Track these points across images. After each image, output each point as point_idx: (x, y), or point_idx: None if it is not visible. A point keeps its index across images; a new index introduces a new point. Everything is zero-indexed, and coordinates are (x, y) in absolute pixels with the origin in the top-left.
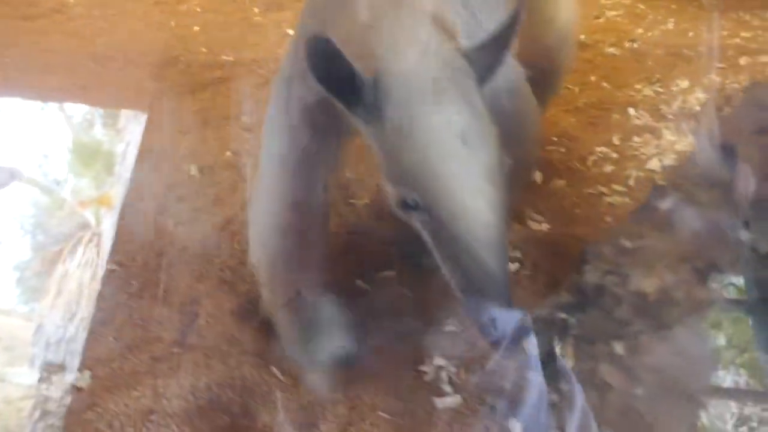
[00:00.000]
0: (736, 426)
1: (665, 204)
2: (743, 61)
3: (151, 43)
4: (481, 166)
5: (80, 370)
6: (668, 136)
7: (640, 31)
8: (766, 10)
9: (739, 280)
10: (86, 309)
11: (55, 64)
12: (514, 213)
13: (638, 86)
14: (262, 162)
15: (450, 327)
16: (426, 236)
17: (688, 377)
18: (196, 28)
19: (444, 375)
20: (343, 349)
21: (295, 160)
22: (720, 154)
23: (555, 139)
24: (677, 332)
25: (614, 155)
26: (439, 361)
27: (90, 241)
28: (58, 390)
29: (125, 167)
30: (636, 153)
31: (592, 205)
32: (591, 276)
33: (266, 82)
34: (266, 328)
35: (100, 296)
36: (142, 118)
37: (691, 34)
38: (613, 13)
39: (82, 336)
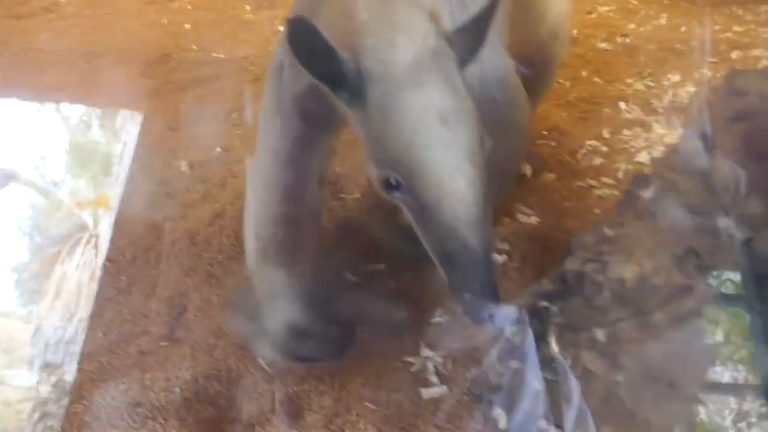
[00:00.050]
0: (735, 421)
1: (647, 193)
2: (735, 55)
3: (143, 41)
4: (462, 147)
5: (68, 364)
6: (658, 129)
7: (632, 26)
8: (759, 4)
9: (736, 276)
10: (85, 310)
11: (47, 63)
12: (503, 206)
13: (629, 81)
14: (257, 151)
15: (437, 319)
16: (409, 216)
17: (674, 368)
18: (188, 26)
19: (430, 366)
20: (330, 340)
21: (288, 150)
22: (701, 143)
23: (545, 133)
24: (658, 319)
25: (604, 148)
26: (425, 352)
27: (88, 242)
28: (57, 391)
29: (123, 168)
30: (626, 146)
31: (581, 198)
32: (572, 264)
33: (257, 79)
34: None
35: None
36: (139, 118)
37: (683, 29)
38: (605, 8)
39: (81, 337)
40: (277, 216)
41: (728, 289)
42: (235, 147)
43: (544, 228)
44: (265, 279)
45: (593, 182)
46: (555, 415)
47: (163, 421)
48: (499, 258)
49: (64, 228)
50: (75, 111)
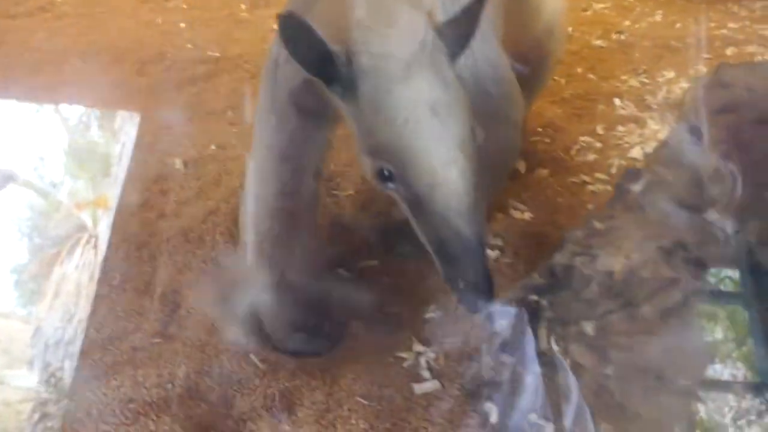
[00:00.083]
0: (735, 419)
1: (637, 187)
2: (730, 51)
3: (138, 40)
4: (453, 137)
5: (68, 365)
6: (652, 125)
7: (627, 23)
8: (754, 1)
9: (735, 273)
10: (84, 310)
11: (42, 62)
12: (497, 202)
13: (624, 77)
14: (253, 146)
15: (430, 314)
16: (403, 207)
17: (661, 360)
18: (183, 25)
19: (423, 361)
20: (322, 334)
21: (283, 145)
22: (690, 136)
23: (540, 129)
24: (646, 312)
25: (598, 144)
26: (418, 347)
27: (87, 242)
28: (57, 392)
29: (121, 168)
30: (619, 142)
31: (574, 193)
32: (561, 257)
33: (252, 77)
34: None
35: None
36: (137, 118)
37: (678, 25)
38: (601, 5)
39: (80, 338)
40: (274, 210)
41: (727, 286)
42: (229, 144)
43: (537, 224)
44: (260, 272)
45: (587, 178)
46: (548, 409)
47: (155, 417)
48: (492, 253)
49: (63, 229)
50: (74, 112)
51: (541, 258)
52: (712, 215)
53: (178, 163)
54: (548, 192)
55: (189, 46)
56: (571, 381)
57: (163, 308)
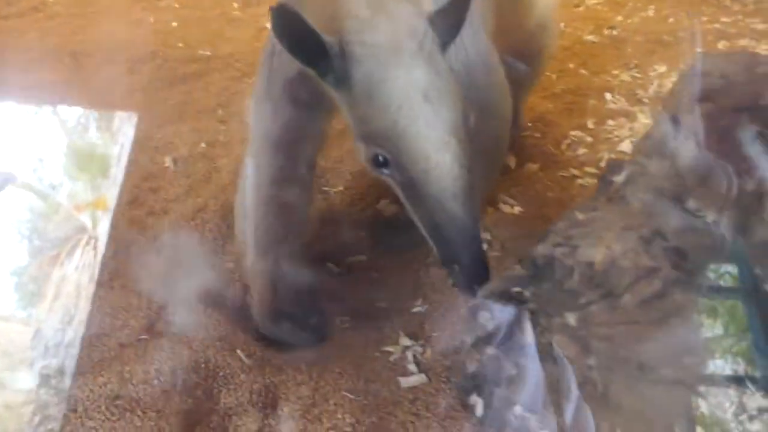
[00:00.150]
0: (736, 414)
1: (620, 178)
2: (722, 45)
3: (130, 40)
4: (445, 122)
5: (68, 367)
6: (642, 119)
7: (619, 18)
8: None
9: (734, 269)
10: (84, 312)
11: (34, 62)
12: (487, 196)
13: (616, 72)
14: (249, 135)
15: (417, 308)
16: (397, 191)
17: (642, 350)
18: (175, 24)
19: (410, 355)
20: (312, 323)
21: (278, 134)
22: (671, 126)
23: (530, 124)
24: (626, 301)
25: (588, 139)
26: (405, 341)
27: (87, 244)
28: (57, 394)
29: (120, 169)
30: (609, 136)
31: (564, 188)
32: (542, 249)
33: (243, 76)
34: (235, 312)
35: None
36: (135, 119)
37: (671, 20)
38: (594, 1)
39: (80, 339)
40: (267, 198)
41: (727, 281)
42: (219, 142)
43: (526, 218)
44: (253, 258)
45: (576, 172)
46: (548, 405)
47: (141, 413)
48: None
49: (62, 230)
50: (72, 113)
51: (528, 251)
52: (692, 204)
53: (168, 161)
54: (538, 186)
55: (180, 45)
56: (571, 378)
57: (150, 305)
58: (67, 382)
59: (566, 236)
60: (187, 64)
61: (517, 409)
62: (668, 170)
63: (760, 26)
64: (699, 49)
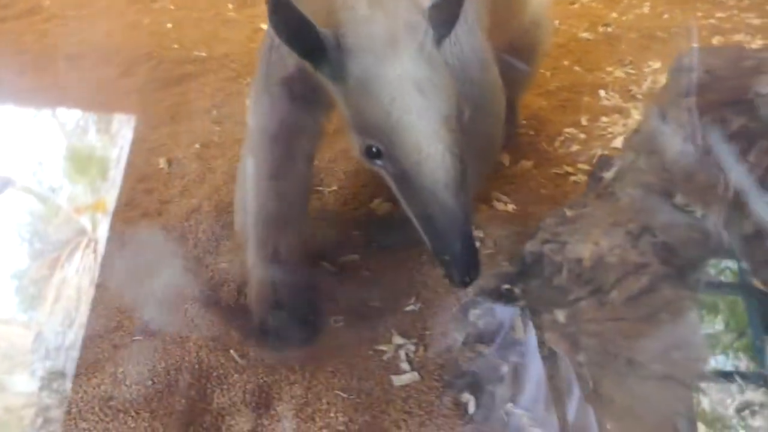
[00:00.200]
0: (738, 410)
1: (609, 174)
2: (716, 40)
3: (125, 42)
4: (438, 114)
5: (69, 370)
6: (636, 115)
7: (614, 15)
8: None
9: (734, 264)
10: (84, 315)
11: (29, 65)
12: (480, 194)
13: (610, 69)
14: (247, 128)
15: (410, 307)
16: (390, 183)
17: (630, 345)
18: (169, 25)
19: (402, 353)
20: (307, 317)
21: (276, 128)
22: (660, 121)
23: (524, 122)
24: (614, 297)
25: (582, 136)
26: (397, 339)
27: (87, 246)
28: (58, 397)
29: (119, 171)
30: (603, 133)
31: (557, 185)
32: (531, 245)
33: (238, 77)
34: (228, 312)
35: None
36: (134, 121)
37: (666, 16)
38: None
39: (81, 342)
40: (265, 190)
41: (727, 277)
42: (214, 143)
43: (519, 215)
44: (252, 249)
45: (570, 169)
46: (551, 403)
47: (134, 414)
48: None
49: (63, 233)
50: (71, 116)
51: (521, 249)
52: (680, 199)
53: (162, 163)
54: (531, 184)
55: (175, 46)
56: (572, 376)
57: (144, 306)
58: (68, 384)
59: (555, 233)
60: (182, 65)
61: (509, 407)
62: (657, 165)
63: (755, 21)
64: (694, 45)
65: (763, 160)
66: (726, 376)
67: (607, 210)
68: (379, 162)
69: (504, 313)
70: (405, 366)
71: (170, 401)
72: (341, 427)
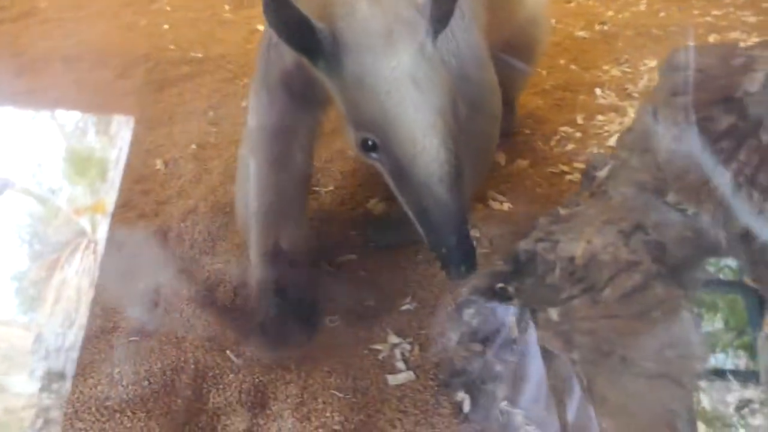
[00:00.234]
0: (738, 409)
1: (603, 172)
2: (712, 38)
3: (121, 43)
4: (433, 107)
5: (69, 371)
6: (632, 114)
7: (610, 13)
8: None
9: (733, 263)
10: (84, 316)
11: (26, 67)
12: (476, 193)
13: (606, 67)
14: (247, 122)
15: (406, 306)
16: (386, 176)
17: (624, 343)
18: (166, 27)
19: (398, 353)
20: (305, 307)
21: (274, 122)
22: (652, 119)
23: (520, 120)
24: (607, 295)
25: (578, 134)
26: (393, 339)
27: (87, 248)
28: (58, 398)
29: (118, 173)
30: (599, 131)
31: (553, 183)
32: (525, 244)
33: (234, 77)
34: (224, 312)
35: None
36: (133, 122)
37: (662, 14)
38: None
39: (81, 343)
40: (265, 182)
41: (726, 275)
42: (210, 144)
43: (515, 214)
44: (254, 240)
45: (565, 168)
46: (551, 403)
47: (130, 414)
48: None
49: (62, 235)
50: (70, 118)
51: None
52: (672, 197)
53: (158, 164)
54: (527, 183)
55: (172, 47)
56: (573, 376)
57: (141, 306)
58: (68, 386)
59: (548, 231)
60: (178, 66)
61: (504, 405)
62: (650, 164)
63: (751, 19)
64: (690, 44)
65: (752, 158)
66: (725, 374)
67: (600, 208)
68: (374, 155)
69: (499, 311)
70: (400, 365)
71: (166, 401)
72: (337, 427)
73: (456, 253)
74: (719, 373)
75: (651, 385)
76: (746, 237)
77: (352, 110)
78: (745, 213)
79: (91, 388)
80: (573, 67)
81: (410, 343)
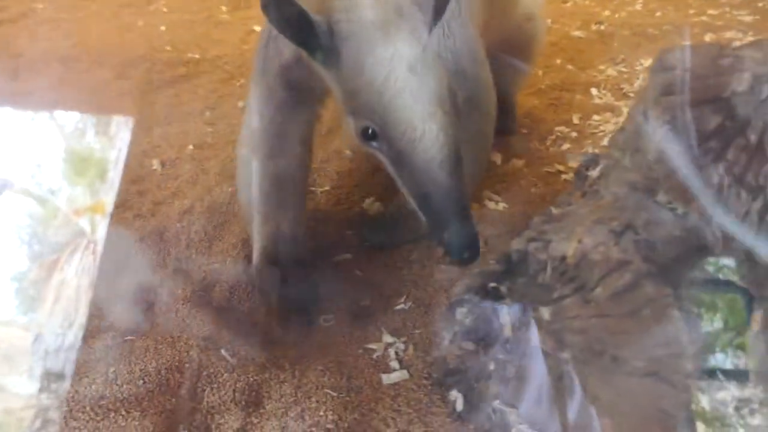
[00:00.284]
0: (737, 408)
1: (595, 172)
2: (708, 37)
3: (119, 44)
4: (431, 93)
5: (68, 371)
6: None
7: (607, 13)
8: None
9: (732, 262)
10: (84, 316)
11: (23, 68)
12: (472, 193)
13: (602, 67)
14: (246, 113)
15: (400, 306)
16: (386, 164)
17: (615, 342)
18: (163, 28)
19: (392, 352)
20: (303, 286)
21: (271, 113)
22: (643, 119)
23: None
24: (598, 294)
25: (573, 134)
26: (387, 338)
27: (86, 248)
28: (58, 399)
29: (117, 173)
30: (595, 131)
31: (548, 183)
32: (517, 244)
33: (231, 78)
34: (220, 311)
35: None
36: (132, 123)
37: (658, 13)
38: None
39: (80, 344)
40: (264, 170)
41: (726, 275)
42: (206, 144)
43: (510, 214)
44: (257, 224)
45: (561, 167)
46: (552, 403)
47: (125, 413)
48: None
49: (62, 235)
50: (69, 118)
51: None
52: (662, 197)
53: (155, 164)
54: (523, 182)
55: (169, 48)
56: (574, 376)
57: (136, 307)
58: (67, 386)
59: (540, 231)
60: (175, 67)
61: (497, 404)
62: (641, 164)
63: (747, 18)
64: (685, 42)
65: (740, 158)
66: (725, 374)
67: (592, 208)
68: (375, 144)
69: (492, 311)
70: (394, 364)
71: (161, 400)
72: (330, 426)
73: (458, 238)
74: (718, 373)
75: (642, 384)
76: (732, 236)
77: (350, 100)
78: (720, 215)
79: (86, 387)
80: (569, 66)
81: (404, 343)
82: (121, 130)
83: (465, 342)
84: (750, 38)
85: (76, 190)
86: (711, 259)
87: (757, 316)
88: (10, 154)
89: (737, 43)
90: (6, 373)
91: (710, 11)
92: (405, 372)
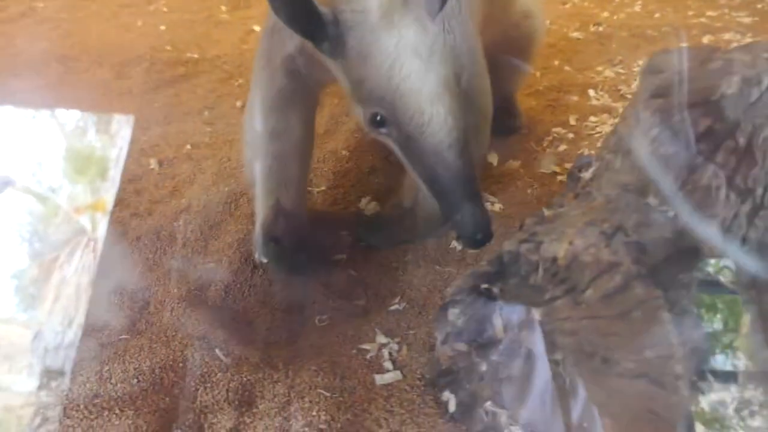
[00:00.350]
0: (738, 410)
1: (587, 174)
2: (706, 39)
3: (118, 44)
4: (437, 76)
5: (67, 369)
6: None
7: (605, 14)
8: None
9: (732, 263)
10: (84, 314)
11: (23, 67)
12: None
13: (600, 68)
14: (249, 97)
15: (394, 306)
16: (396, 150)
17: (606, 343)
18: (162, 27)
19: (386, 352)
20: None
21: (272, 98)
22: (635, 121)
23: None
24: (588, 296)
25: (570, 135)
26: (381, 338)
27: (86, 246)
28: (57, 396)
29: (118, 171)
30: (591, 132)
31: (544, 184)
32: (509, 245)
33: (230, 78)
34: (214, 311)
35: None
36: (133, 121)
37: (657, 15)
38: None
39: (80, 342)
40: (266, 149)
41: (726, 276)
42: (204, 144)
43: (506, 215)
44: (259, 200)
45: (557, 169)
46: (556, 405)
47: (118, 412)
48: (457, 244)
49: (62, 233)
50: (70, 116)
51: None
52: (653, 199)
53: (153, 163)
54: (519, 183)
55: (168, 48)
56: (577, 378)
57: (132, 305)
58: (67, 384)
59: (532, 232)
60: (174, 66)
61: (489, 405)
62: (633, 166)
63: (746, 20)
64: (683, 44)
65: (729, 161)
66: (724, 375)
67: (584, 209)
68: (384, 130)
69: (484, 312)
70: (388, 365)
71: (154, 399)
72: (323, 426)
73: (471, 219)
74: (717, 374)
75: (632, 385)
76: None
77: (358, 88)
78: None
79: (80, 386)
80: (567, 68)
81: (398, 343)
82: (122, 128)
83: (457, 343)
84: (749, 40)
85: (77, 188)
86: (712, 261)
87: (746, 318)
88: (12, 152)
89: (734, 45)
90: (6, 371)
91: (709, 13)
92: (398, 373)
